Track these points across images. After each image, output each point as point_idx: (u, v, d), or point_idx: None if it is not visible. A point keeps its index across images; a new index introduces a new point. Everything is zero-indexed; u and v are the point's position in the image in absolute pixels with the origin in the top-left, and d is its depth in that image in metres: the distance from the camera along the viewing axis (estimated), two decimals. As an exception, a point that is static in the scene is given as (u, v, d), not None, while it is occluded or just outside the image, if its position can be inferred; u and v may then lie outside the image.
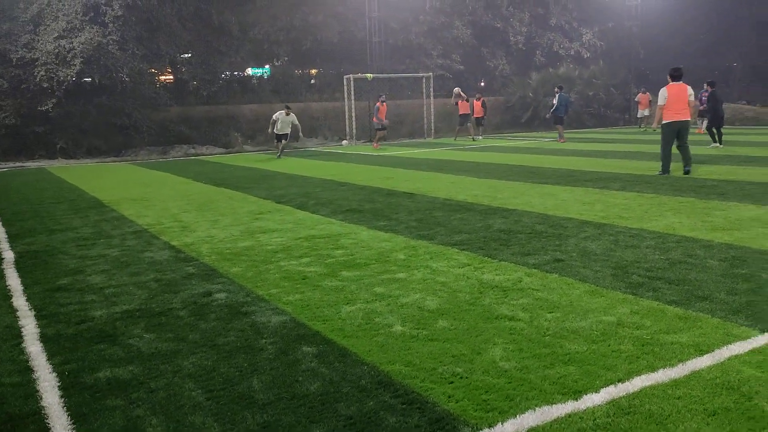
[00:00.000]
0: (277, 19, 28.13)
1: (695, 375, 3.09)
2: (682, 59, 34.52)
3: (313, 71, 32.35)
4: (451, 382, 3.12)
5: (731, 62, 36.75)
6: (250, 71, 30.89)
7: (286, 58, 31.34)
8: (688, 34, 35.19)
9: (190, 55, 26.94)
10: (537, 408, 2.82)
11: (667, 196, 8.64)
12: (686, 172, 10.71)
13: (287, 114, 18.77)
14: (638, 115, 26.93)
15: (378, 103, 21.36)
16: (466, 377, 3.17)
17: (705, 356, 3.30)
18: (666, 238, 6.12)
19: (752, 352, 3.34)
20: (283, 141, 18.95)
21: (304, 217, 8.15)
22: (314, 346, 3.68)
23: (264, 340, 3.81)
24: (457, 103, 23.53)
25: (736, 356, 3.29)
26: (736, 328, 3.68)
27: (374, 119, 21.53)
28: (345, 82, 25.48)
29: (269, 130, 19.14)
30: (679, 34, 34.89)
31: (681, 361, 3.26)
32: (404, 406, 2.91)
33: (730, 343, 3.46)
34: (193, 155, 22.69)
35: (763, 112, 29.50)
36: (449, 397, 2.97)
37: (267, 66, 31.59)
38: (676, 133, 10.63)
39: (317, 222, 7.78)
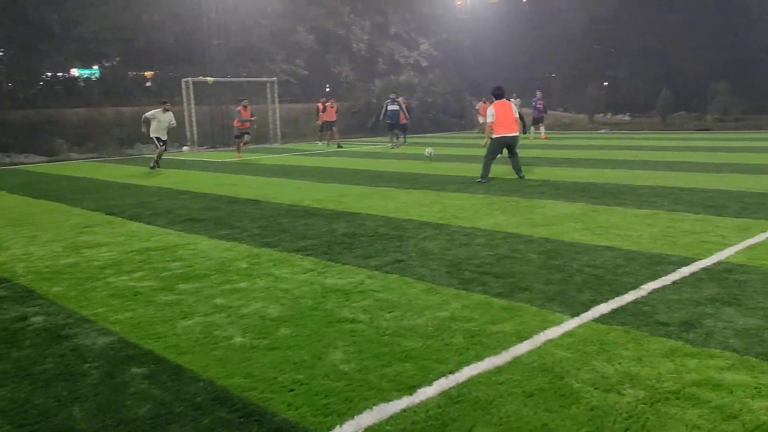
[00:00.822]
0: (107, 17, 26.22)
1: (516, 361, 3.36)
2: (508, 70, 37.50)
3: (149, 74, 30.56)
4: (292, 390, 3.10)
5: (549, 73, 40.58)
6: (75, 72, 28.44)
7: (117, 59, 29.29)
8: (512, 48, 38.31)
9: (2, 53, 24.20)
10: (374, 407, 2.90)
11: (496, 196, 9.32)
12: (520, 177, 11.61)
13: (164, 111, 15.72)
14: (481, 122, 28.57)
15: (240, 108, 20.12)
16: (307, 383, 3.17)
17: (525, 342, 3.60)
18: (494, 235, 6.59)
19: (564, 335, 3.70)
20: (161, 147, 15.81)
21: (137, 229, 7.66)
22: (145, 367, 3.46)
23: (87, 365, 3.51)
24: (322, 110, 23.54)
25: (551, 340, 3.62)
26: (551, 314, 4.06)
27: (237, 123, 19.61)
28: (184, 86, 24.38)
29: (143, 129, 15.91)
30: (504, 48, 37.86)
31: (504, 349, 3.52)
32: (242, 420, 2.84)
33: (546, 328, 3.81)
34: (9, 164, 20.39)
35: (577, 119, 32.92)
36: (289, 405, 2.95)
37: (95, 67, 29.30)
38: (504, 146, 11.40)
39: (152, 233, 7.35)
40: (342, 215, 8.12)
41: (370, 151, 20.37)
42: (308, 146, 23.87)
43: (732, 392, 2.92)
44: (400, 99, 22.26)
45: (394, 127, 21.74)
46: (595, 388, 3.00)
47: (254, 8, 30.36)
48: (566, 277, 4.92)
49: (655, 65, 33.78)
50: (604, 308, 4.15)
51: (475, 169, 13.03)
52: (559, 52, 38.16)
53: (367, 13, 35.39)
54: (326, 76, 35.29)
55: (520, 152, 11.91)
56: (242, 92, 30.15)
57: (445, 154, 17.87)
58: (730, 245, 5.74)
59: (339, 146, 23.21)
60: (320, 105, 23.72)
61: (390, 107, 21.60)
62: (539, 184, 10.51)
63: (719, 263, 5.15)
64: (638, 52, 35.41)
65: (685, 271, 4.96)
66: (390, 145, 21.89)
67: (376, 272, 5.28)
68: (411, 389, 3.06)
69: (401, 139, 22.71)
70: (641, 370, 3.19)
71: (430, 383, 3.12)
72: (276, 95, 27.00)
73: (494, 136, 11.30)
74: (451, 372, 3.24)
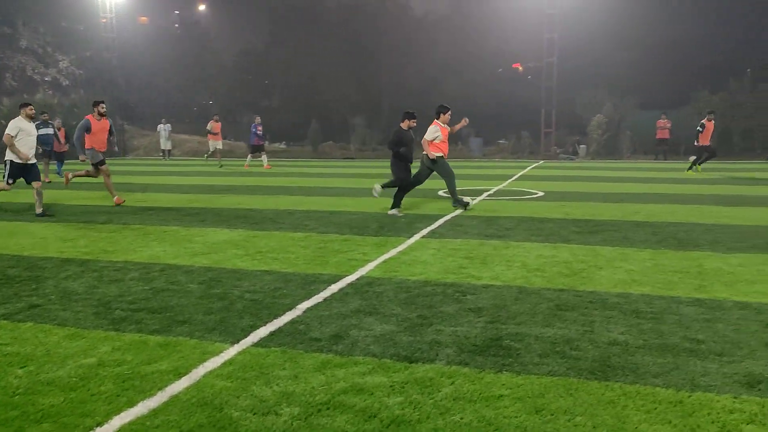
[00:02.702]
0: None
1: (174, 399, 3.18)
2: (161, 94, 36.34)
3: None
4: None
5: (207, 101, 40.74)
6: None
7: None
8: (166, 71, 37.36)
9: None
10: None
11: (153, 226, 8.85)
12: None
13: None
14: (211, 148, 24.56)
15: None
16: None
17: (183, 379, 3.44)
18: (150, 267, 6.22)
19: (224, 365, 3.66)
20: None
21: None
22: None
23: None
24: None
25: (211, 372, 3.54)
26: (211, 345, 3.99)
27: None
28: None
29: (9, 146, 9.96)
30: (158, 71, 36.67)
31: (160, 389, 3.31)
32: None
33: (205, 360, 3.71)
34: None
35: (236, 145, 33.57)
36: None
37: None
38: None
39: None
40: (-43, 257, 6.69)
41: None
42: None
43: (372, 393, 3.26)
44: (55, 122, 18.81)
45: (46, 155, 18.03)
46: (254, 414, 3.03)
47: None
48: (227, 304, 4.91)
49: (305, 99, 36.81)
50: (263, 332, 4.25)
51: (132, 198, 12.18)
52: (213, 79, 38.69)
53: (-10, 20, 30.42)
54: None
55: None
56: None
57: (92, 182, 16.30)
58: (371, 260, 6.50)
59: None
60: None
61: (42, 131, 17.87)
62: (199, 212, 10.36)
63: (362, 278, 5.78)
64: (290, 86, 38.12)
65: (334, 287, 5.42)
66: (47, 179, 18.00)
67: (5, 322, 4.47)
68: (48, 456, 2.63)
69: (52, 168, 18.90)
70: (297, 387, 3.34)
71: (72, 444, 2.73)
72: None
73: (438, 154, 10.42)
74: (99, 425, 2.90)
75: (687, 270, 5.97)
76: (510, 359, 3.73)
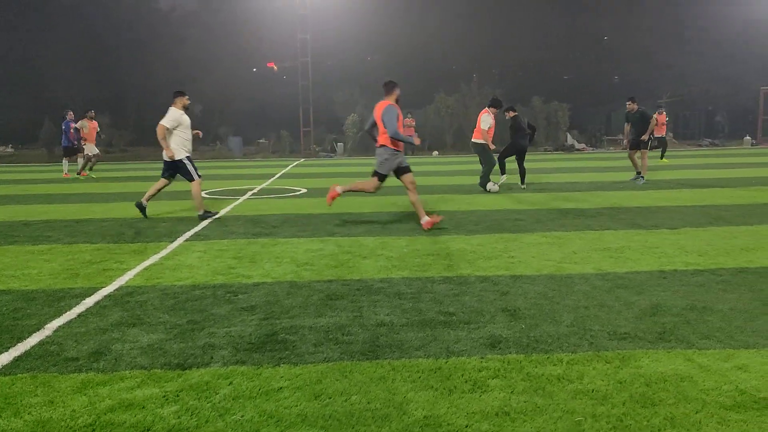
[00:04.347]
0: None
1: None
2: None
3: None
4: None
5: None
6: None
7: None
8: None
9: None
10: None
11: None
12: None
13: None
14: None
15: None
16: None
17: None
18: None
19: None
20: None
21: None
22: None
23: None
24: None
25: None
26: (-65, 383, 3.35)
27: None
28: None
29: None
30: None
31: None
32: None
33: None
34: None
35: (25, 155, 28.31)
36: None
37: None
38: None
39: None
40: None
41: None
42: None
43: (144, 407, 3.06)
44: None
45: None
46: (1, 452, 2.63)
47: None
48: (-49, 334, 4.15)
49: (34, 95, 32.54)
50: (5, 358, 3.69)
51: None
52: None
53: None
54: None
55: None
56: None
57: None
58: (129, 269, 6.03)
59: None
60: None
61: None
62: None
63: (121, 288, 5.34)
64: (14, 81, 33.39)
65: (89, 301, 4.92)
66: None
67: None
68: None
69: None
70: (54, 413, 2.98)
71: None
72: None
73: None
74: None
75: (438, 253, 6.65)
76: (287, 352, 3.79)
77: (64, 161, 18.84)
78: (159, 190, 9.52)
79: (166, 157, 9.17)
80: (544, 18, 35.19)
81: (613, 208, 9.79)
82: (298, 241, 7.44)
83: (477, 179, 13.14)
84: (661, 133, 20.66)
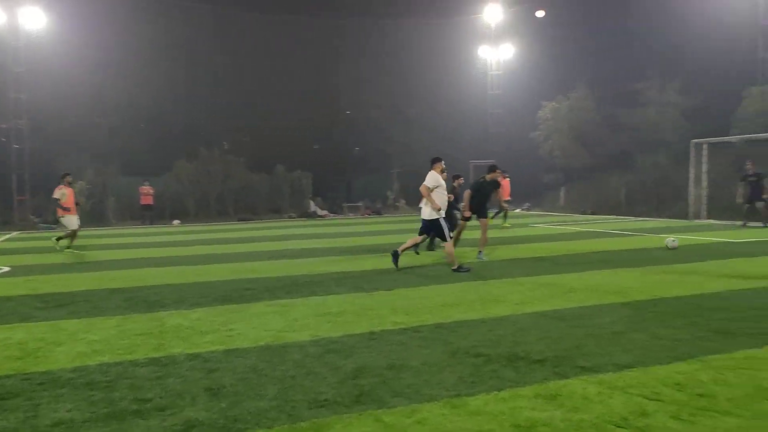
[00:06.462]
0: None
1: None
2: None
3: None
4: None
5: None
6: None
7: None
8: None
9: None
10: None
11: None
12: None
13: None
14: None
15: None
16: None
17: None
18: None
19: None
20: None
21: None
22: None
23: None
24: None
25: None
26: None
27: None
28: None
29: None
30: None
31: None
32: None
33: None
34: None
35: None
36: None
37: None
38: None
39: None
40: None
41: None
42: None
43: None
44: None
45: None
46: None
47: None
48: None
49: None
50: None
51: None
52: None
53: None
54: None
55: None
56: None
57: None
58: None
59: None
60: None
61: None
62: None
63: None
64: None
65: None
66: None
67: None
68: None
69: None
70: None
71: None
72: None
73: None
74: None
75: (150, 331, 6.14)
76: None
77: None
78: None
79: None
80: (291, 85, 36.37)
81: (339, 273, 10.21)
82: (-21, 330, 6.28)
83: (209, 247, 12.74)
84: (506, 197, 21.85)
